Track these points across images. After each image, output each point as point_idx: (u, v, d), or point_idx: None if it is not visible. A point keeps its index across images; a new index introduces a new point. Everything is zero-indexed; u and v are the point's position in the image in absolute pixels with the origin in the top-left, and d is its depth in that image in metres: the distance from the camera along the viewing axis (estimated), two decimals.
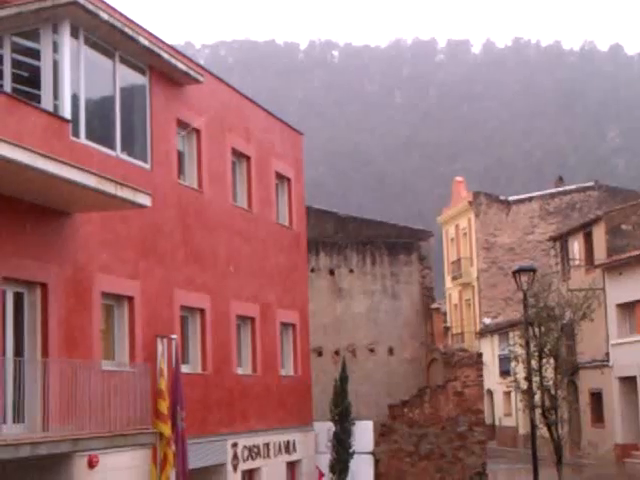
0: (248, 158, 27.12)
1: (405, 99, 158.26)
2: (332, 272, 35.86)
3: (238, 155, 26.61)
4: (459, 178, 67.53)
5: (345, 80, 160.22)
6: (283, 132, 29.85)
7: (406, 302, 36.15)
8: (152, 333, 21.02)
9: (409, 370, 35.29)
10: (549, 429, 21.74)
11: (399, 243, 36.60)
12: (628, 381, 40.06)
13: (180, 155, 23.56)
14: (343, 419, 30.79)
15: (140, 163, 21.04)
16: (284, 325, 29.36)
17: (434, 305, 37.01)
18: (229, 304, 25.41)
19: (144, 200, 18.24)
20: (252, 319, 26.97)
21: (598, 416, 42.77)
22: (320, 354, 34.65)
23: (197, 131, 23.95)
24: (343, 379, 31.26)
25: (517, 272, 27.78)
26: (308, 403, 30.85)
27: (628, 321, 40.93)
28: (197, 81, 22.73)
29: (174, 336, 21.63)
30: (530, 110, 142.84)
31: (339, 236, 36.19)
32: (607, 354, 41.63)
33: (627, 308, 40.79)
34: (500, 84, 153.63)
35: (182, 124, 23.19)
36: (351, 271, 35.98)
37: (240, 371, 26.28)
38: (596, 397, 42.98)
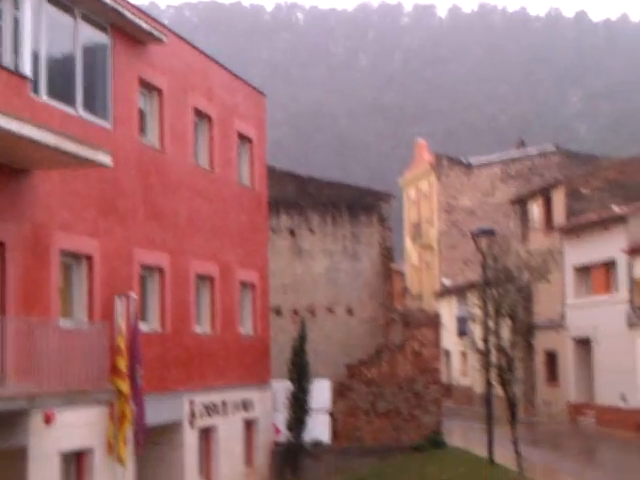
0: (210, 118, 27.14)
1: (370, 62, 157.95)
2: (293, 232, 36.03)
3: (200, 115, 26.62)
4: (421, 141, 67.71)
5: (310, 42, 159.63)
6: (246, 93, 29.86)
7: (366, 263, 36.43)
8: (111, 292, 21.12)
9: (367, 330, 35.64)
10: (504, 388, 22.12)
11: (360, 204, 36.81)
12: (582, 342, 40.72)
13: (142, 114, 23.56)
14: (301, 378, 31.11)
15: (101, 122, 21.03)
16: (244, 284, 29.53)
17: (394, 266, 37.34)
18: (189, 263, 25.53)
19: (105, 159, 18.27)
20: (212, 278, 27.10)
21: (552, 376, 43.45)
22: (279, 314, 34.89)
23: (159, 90, 23.95)
24: (302, 338, 31.55)
25: (477, 234, 28.14)
26: (266, 362, 31.11)
27: (584, 283, 41.49)
28: (160, 41, 22.69)
29: (133, 294, 21.74)
30: (494, 75, 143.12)
31: (300, 197, 36.30)
32: (563, 315, 42.23)
33: (583, 271, 41.35)
34: (465, 49, 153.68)
35: (144, 83, 23.18)
36: (312, 232, 36.15)
37: (199, 330, 26.45)
38: (551, 357, 43.64)
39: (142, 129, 23.56)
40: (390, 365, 32.90)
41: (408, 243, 66.80)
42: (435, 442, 31.95)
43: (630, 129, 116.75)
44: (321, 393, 31.97)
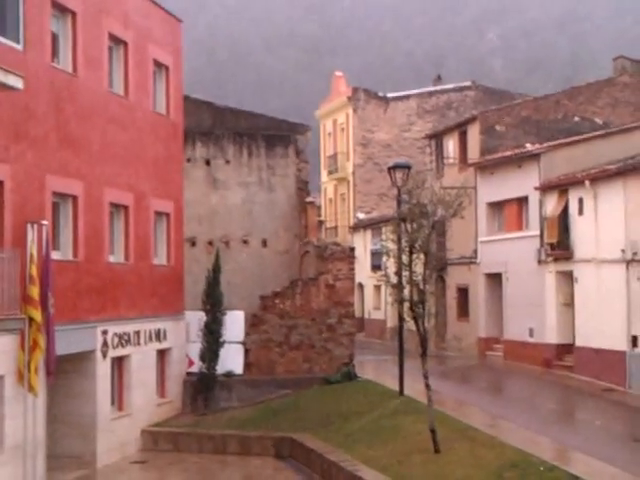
0: (125, 44, 26.59)
1: None
2: (208, 163, 35.74)
3: (115, 40, 26.06)
4: (339, 73, 67.35)
5: None
6: (162, 19, 29.31)
7: (281, 195, 36.34)
8: (22, 219, 20.72)
9: (282, 262, 35.68)
10: (416, 322, 22.23)
11: (276, 136, 36.61)
12: (494, 278, 41.27)
13: (54, 37, 22.96)
14: (214, 309, 31.12)
15: (12, 44, 20.43)
16: (158, 214, 29.26)
17: (309, 199, 37.31)
18: (103, 191, 25.17)
19: (16, 82, 17.80)
20: (126, 207, 26.78)
21: (464, 311, 44.05)
22: (194, 244, 34.72)
23: (73, 13, 23.32)
24: (216, 270, 31.48)
25: (392, 168, 28.12)
26: (180, 292, 31.02)
27: (497, 220, 41.95)
28: None
29: (45, 222, 21.37)
30: (412, 8, 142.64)
31: (216, 127, 35.95)
32: (475, 251, 42.71)
33: (496, 207, 41.78)
34: None
35: (57, 5, 22.54)
36: (227, 162, 35.91)
37: (112, 259, 26.18)
38: (462, 292, 44.20)
39: (55, 53, 22.99)
40: (304, 298, 33.00)
41: (324, 176, 66.76)
42: (347, 375, 32.23)
43: (545, 67, 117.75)
44: (235, 325, 32.03)
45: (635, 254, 30.51)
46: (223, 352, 31.18)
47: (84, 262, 24.13)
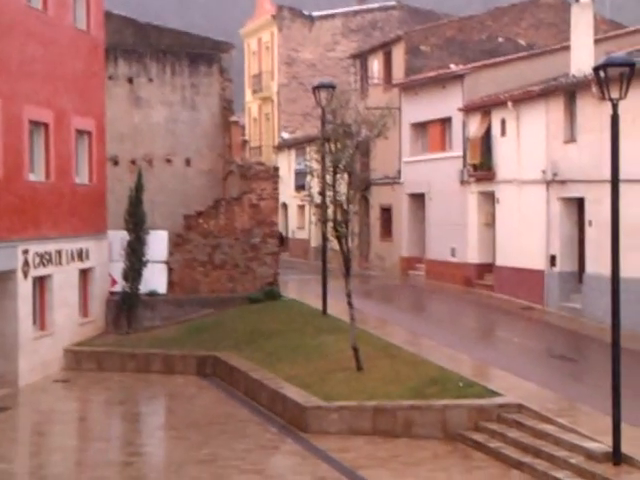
0: None
1: None
2: (131, 80, 35.22)
3: None
4: None
5: None
6: None
7: (205, 114, 36.03)
8: None
9: (205, 182, 35.51)
10: (339, 242, 22.36)
11: (200, 54, 36.16)
12: (417, 198, 41.58)
13: None
14: (137, 228, 30.93)
15: None
16: (79, 132, 28.84)
17: (233, 118, 37.05)
18: (21, 109, 24.69)
19: None
20: (46, 125, 26.34)
21: (387, 231, 44.40)
22: (116, 163, 34.35)
23: None
24: (138, 189, 31.23)
25: (317, 88, 28.02)
26: (102, 212, 30.76)
27: (420, 140, 42.14)
28: None
29: None
30: None
31: (139, 44, 35.37)
32: (399, 171, 42.92)
33: (420, 127, 41.93)
34: None
35: None
36: (150, 80, 35.44)
37: (32, 177, 25.81)
38: (386, 212, 44.50)
39: None
40: (228, 217, 32.94)
41: (248, 95, 66.23)
42: (271, 294, 32.38)
43: None
44: (158, 244, 31.91)
45: (555, 175, 30.93)
46: (146, 271, 31.09)
47: (3, 181, 23.75)
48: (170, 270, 32.53)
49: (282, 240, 42.49)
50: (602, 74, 15.27)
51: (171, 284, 32.49)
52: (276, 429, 20.15)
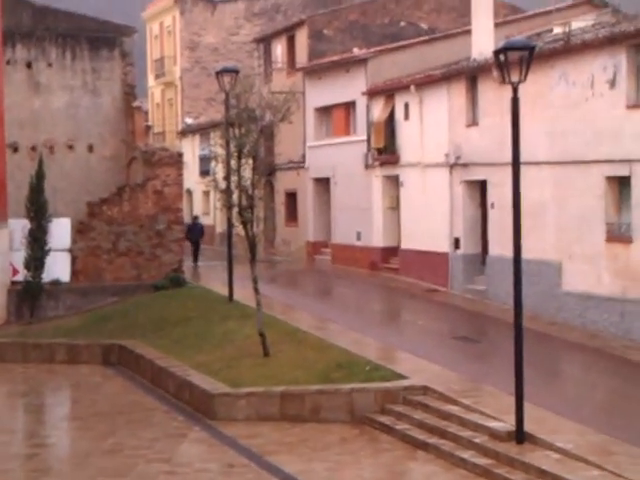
0: None
1: None
2: (29, 65, 34.57)
3: None
4: None
5: None
6: None
7: (107, 99, 35.55)
8: None
9: (109, 168, 35.04)
10: (245, 228, 22.30)
11: (101, 38, 35.64)
12: (322, 182, 41.66)
13: None
14: (39, 216, 30.45)
15: None
16: None
17: (136, 103, 36.61)
18: None
19: None
20: None
21: (292, 215, 44.41)
22: (16, 150, 33.69)
23: None
24: (39, 176, 30.74)
25: (220, 73, 27.83)
26: (2, 199, 30.16)
27: (325, 125, 42.20)
28: None
29: None
30: None
31: (37, 28, 34.71)
32: (304, 156, 42.93)
33: (324, 112, 41.99)
34: None
35: None
36: (50, 65, 34.84)
37: None
38: (291, 197, 44.50)
39: None
40: (132, 204, 32.60)
41: (151, 80, 65.52)
42: (176, 281, 32.15)
43: None
44: (60, 232, 31.45)
45: (458, 158, 31.27)
46: (49, 260, 30.61)
47: None
48: (73, 258, 32.07)
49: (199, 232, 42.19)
50: (502, 58, 15.44)
51: (75, 273, 32.04)
52: (183, 417, 20.03)
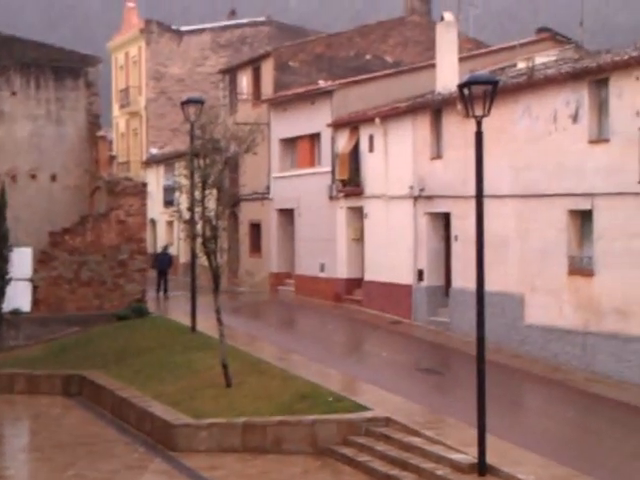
0: None
1: None
2: None
3: None
4: (131, 4, 65.78)
5: None
6: None
7: (71, 129, 35.46)
8: None
9: (72, 197, 34.89)
10: (209, 258, 22.28)
11: (66, 67, 35.59)
12: (286, 213, 41.66)
13: None
14: (0, 245, 30.19)
15: None
16: None
17: (100, 133, 36.54)
18: None
19: None
20: None
21: (256, 246, 44.32)
22: None
23: None
24: (1, 205, 30.59)
25: (185, 103, 27.89)
26: None
27: (289, 156, 42.26)
28: None
29: None
30: None
31: (2, 57, 34.61)
32: (268, 187, 42.94)
33: (289, 143, 42.06)
34: None
35: None
36: (14, 94, 34.75)
37: None
38: (255, 228, 44.44)
39: None
40: (95, 234, 32.47)
41: (116, 110, 65.40)
42: (139, 311, 32.00)
43: (339, 4, 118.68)
44: (22, 261, 31.25)
45: (422, 190, 31.40)
46: (10, 289, 30.37)
47: None
48: (35, 288, 31.84)
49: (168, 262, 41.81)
50: (466, 92, 15.56)
51: (36, 302, 31.80)
52: (144, 449, 19.87)
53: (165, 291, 40.09)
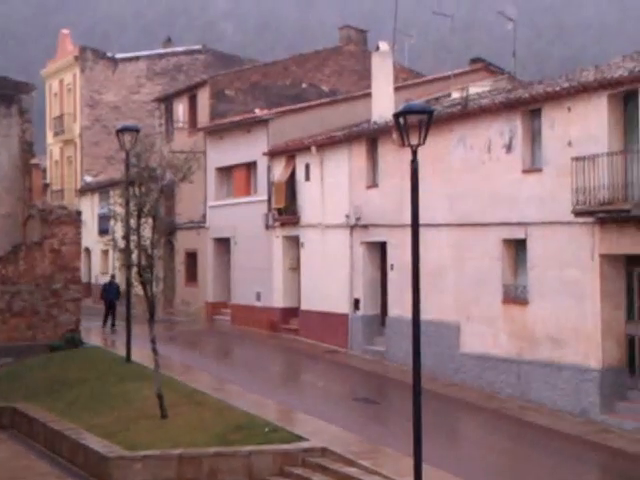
0: None
1: None
2: None
3: None
4: (65, 31, 65.39)
5: None
6: None
7: (4, 156, 35.00)
8: None
9: (4, 226, 34.34)
10: (144, 287, 22.08)
11: None
12: (222, 242, 41.51)
13: None
14: None
15: None
16: None
17: (34, 161, 36.12)
18: None
19: None
20: None
21: (192, 275, 44.09)
22: None
23: None
24: None
25: (120, 131, 27.71)
26: None
27: (226, 184, 42.17)
28: None
29: None
30: None
31: None
32: (204, 216, 42.78)
33: (225, 172, 41.98)
34: None
35: None
36: None
37: None
38: (191, 257, 44.22)
39: None
40: (28, 263, 32.02)
41: (50, 137, 64.81)
42: (72, 341, 31.60)
43: (275, 32, 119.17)
44: None
45: (358, 219, 31.48)
46: None
47: None
48: None
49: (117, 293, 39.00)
50: (402, 121, 15.64)
51: None
52: None
53: (113, 324, 37.99)
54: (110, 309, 38.41)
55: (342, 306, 32.38)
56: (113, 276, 41.33)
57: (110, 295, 38.56)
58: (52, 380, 27.21)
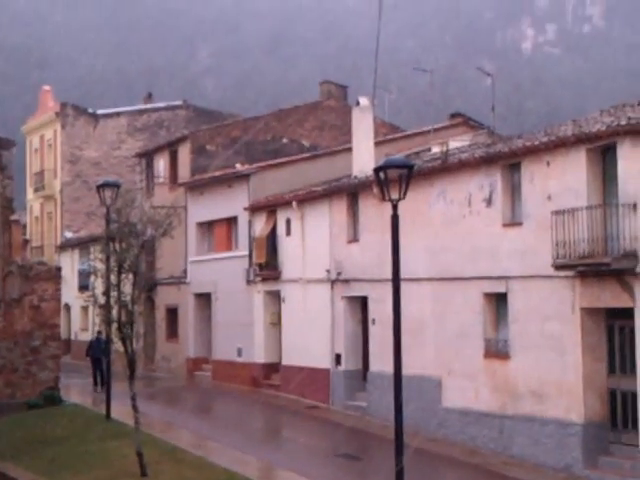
0: None
1: None
2: None
3: None
4: (46, 87, 65.62)
5: None
6: None
7: None
8: None
9: None
10: (124, 343, 21.89)
11: None
12: (203, 297, 41.36)
13: None
14: None
15: None
16: None
17: (14, 217, 35.98)
18: None
19: None
20: None
21: (173, 331, 43.86)
22: None
23: None
24: None
25: (101, 187, 27.67)
26: None
27: (207, 239, 42.12)
28: None
29: None
30: (119, 23, 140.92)
31: None
32: (185, 271, 42.67)
33: (206, 227, 41.95)
34: None
35: None
36: None
37: None
38: (172, 313, 44.00)
39: None
40: (7, 320, 31.77)
41: (30, 193, 64.72)
42: (52, 399, 31.25)
43: (256, 88, 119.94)
44: None
45: (339, 274, 31.45)
46: None
47: None
48: None
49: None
50: (382, 175, 15.70)
51: None
52: None
53: (102, 384, 34.79)
54: (98, 367, 36.65)
55: (323, 361, 32.23)
56: (100, 332, 37.67)
57: (97, 352, 36.53)
58: (31, 438, 26.85)
